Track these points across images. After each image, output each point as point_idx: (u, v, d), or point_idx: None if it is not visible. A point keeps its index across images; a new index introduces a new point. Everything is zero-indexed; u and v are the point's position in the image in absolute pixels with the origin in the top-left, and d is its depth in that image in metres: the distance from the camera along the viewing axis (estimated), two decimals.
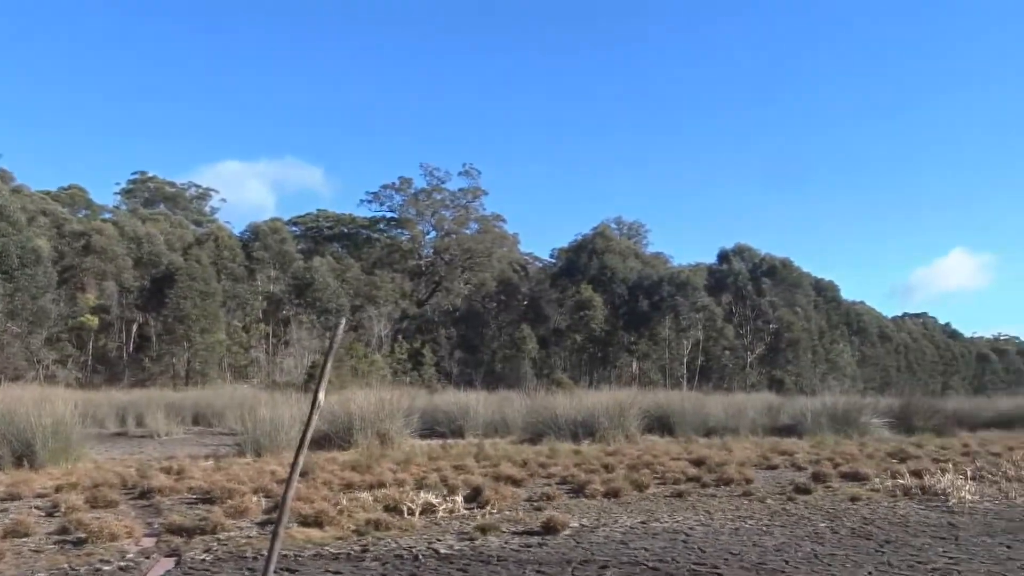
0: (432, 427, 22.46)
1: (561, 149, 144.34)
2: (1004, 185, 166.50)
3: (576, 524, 8.58)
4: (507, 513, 9.16)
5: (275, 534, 4.36)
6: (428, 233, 69.56)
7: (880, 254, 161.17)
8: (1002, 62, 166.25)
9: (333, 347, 4.60)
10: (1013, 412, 31.42)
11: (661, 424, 22.88)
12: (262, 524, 8.33)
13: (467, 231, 67.14)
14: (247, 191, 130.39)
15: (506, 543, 7.62)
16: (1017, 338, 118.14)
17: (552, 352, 56.26)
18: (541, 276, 61.30)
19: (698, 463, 14.25)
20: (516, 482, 11.59)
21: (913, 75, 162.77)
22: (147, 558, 6.88)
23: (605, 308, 54.80)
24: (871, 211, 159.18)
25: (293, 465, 4.42)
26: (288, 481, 4.44)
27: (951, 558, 6.86)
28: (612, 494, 10.69)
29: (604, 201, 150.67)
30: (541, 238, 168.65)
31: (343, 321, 5.10)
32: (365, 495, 9.81)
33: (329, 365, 4.59)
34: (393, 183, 67.92)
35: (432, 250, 69.23)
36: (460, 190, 67.17)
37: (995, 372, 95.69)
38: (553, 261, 62.72)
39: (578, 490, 11.09)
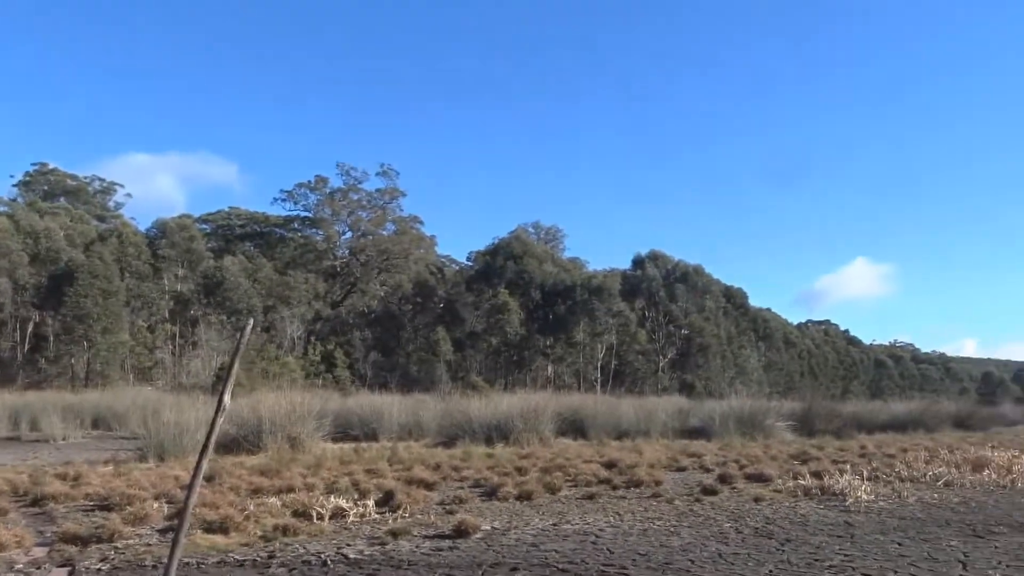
0: (345, 430, 22.13)
1: (481, 153, 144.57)
2: (905, 198, 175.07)
3: (488, 527, 8.59)
4: (419, 517, 9.10)
5: (176, 540, 4.22)
6: (344, 233, 68.49)
7: (790, 262, 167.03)
8: (902, 78, 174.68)
9: (240, 348, 4.49)
10: (907, 416, 32.97)
11: (575, 427, 23.12)
12: (163, 531, 8.05)
13: (384, 232, 66.33)
14: (155, 186, 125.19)
15: (417, 547, 7.57)
16: (912, 345, 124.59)
17: (468, 355, 56.24)
18: (458, 279, 61.22)
19: (610, 465, 14.47)
20: (429, 485, 11.54)
21: (827, 89, 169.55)
22: (38, 569, 6.57)
23: (521, 312, 55.10)
24: (782, 219, 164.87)
25: (196, 469, 4.29)
26: (190, 486, 4.30)
27: (847, 555, 7.14)
28: (525, 497, 10.75)
29: (522, 205, 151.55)
30: (459, 241, 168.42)
31: (251, 322, 4.97)
32: (273, 500, 9.60)
33: (236, 366, 4.47)
34: (308, 182, 66.60)
35: (348, 251, 68.21)
36: (377, 191, 66.38)
37: (891, 378, 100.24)
38: (470, 264, 62.65)
39: (491, 493, 11.11)
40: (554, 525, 8.82)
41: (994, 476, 13.46)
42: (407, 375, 49.25)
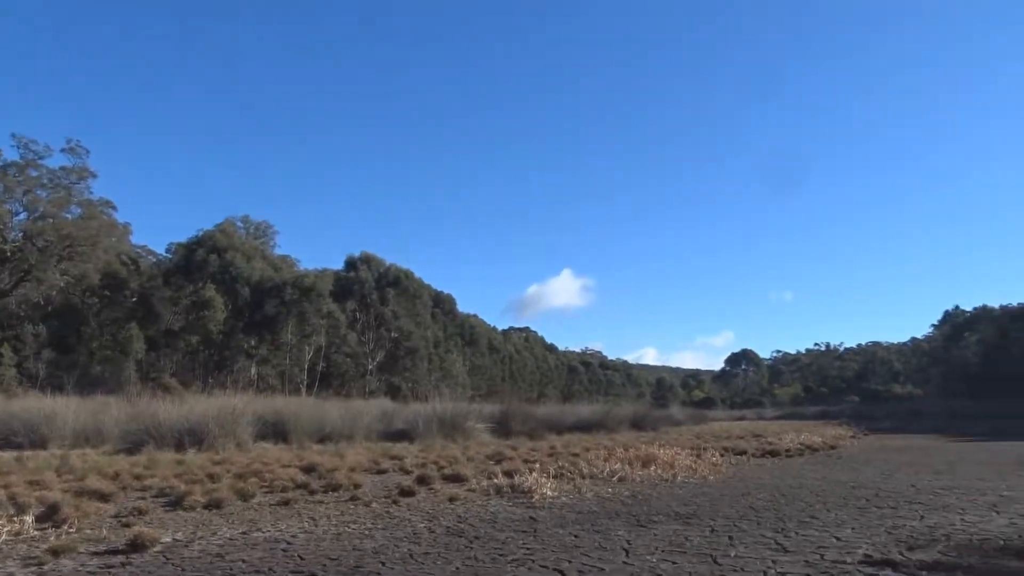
0: (7, 437, 19.47)
1: (187, 138, 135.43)
2: (605, 215, 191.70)
3: (169, 539, 7.99)
4: (89, 532, 8.23)
5: None
6: (17, 214, 60.15)
7: (504, 271, 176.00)
8: (623, 94, 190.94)
9: None
10: (592, 418, 36.02)
11: (276, 431, 22.34)
12: None
13: (68, 216, 59.28)
14: None
15: (83, 565, 6.83)
16: (600, 352, 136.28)
17: (163, 354, 52.10)
18: (155, 272, 56.45)
19: (309, 470, 14.17)
20: (104, 497, 10.51)
21: (553, 97, 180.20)
22: None
23: (226, 309, 52.19)
24: (493, 227, 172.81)
25: None
26: None
27: (528, 549, 7.57)
28: (214, 505, 10.16)
29: (231, 199, 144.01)
30: (158, 231, 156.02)
31: None
32: None
33: None
34: None
35: (21, 233, 60.12)
36: (62, 168, 59.01)
37: (581, 382, 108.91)
38: (169, 256, 57.95)
39: (176, 502, 10.36)
40: (243, 534, 8.42)
41: (659, 471, 15.09)
42: (88, 375, 44.47)
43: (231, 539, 8.12)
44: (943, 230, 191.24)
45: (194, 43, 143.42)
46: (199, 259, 52.85)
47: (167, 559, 7.12)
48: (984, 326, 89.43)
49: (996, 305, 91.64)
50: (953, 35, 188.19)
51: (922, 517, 9.52)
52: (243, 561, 7.03)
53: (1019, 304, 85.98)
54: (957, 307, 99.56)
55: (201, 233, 56.10)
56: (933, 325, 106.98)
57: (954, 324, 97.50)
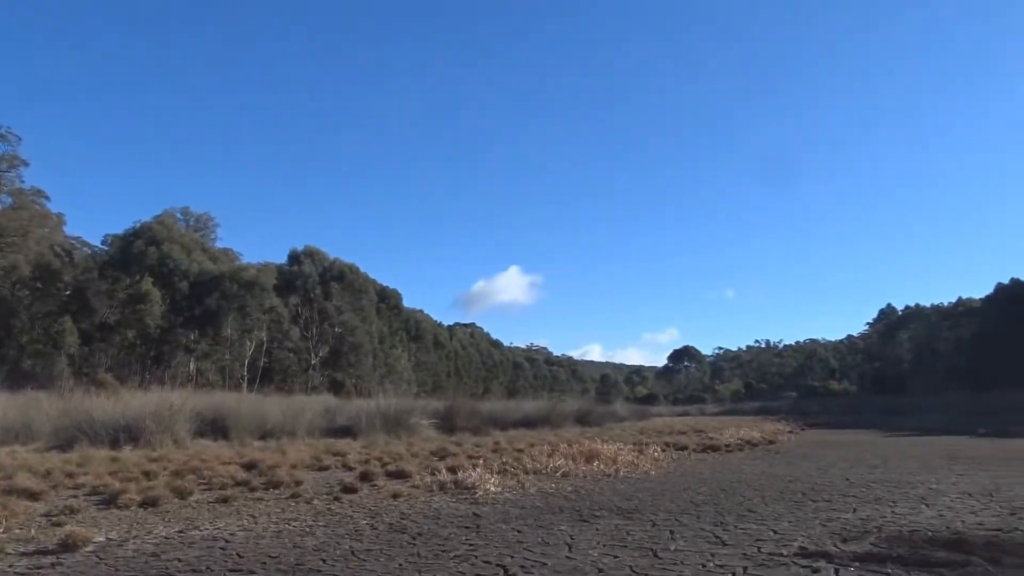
0: None
1: (125, 127, 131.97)
2: (554, 212, 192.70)
3: (102, 538, 7.77)
4: (17, 531, 7.97)
5: None
6: None
7: (452, 266, 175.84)
8: (580, 98, 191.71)
9: None
10: (537, 414, 36.16)
11: (216, 427, 21.91)
12: None
13: None
14: None
15: (11, 566, 6.60)
16: (546, 348, 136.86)
17: (97, 349, 50.64)
18: (90, 264, 54.82)
19: (249, 467, 13.95)
20: (34, 495, 10.19)
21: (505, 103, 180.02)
22: None
23: (164, 303, 50.97)
24: (441, 222, 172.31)
25: None
26: None
27: (471, 545, 7.56)
28: (150, 503, 9.92)
29: (171, 190, 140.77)
30: (93, 222, 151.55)
31: None
32: None
33: None
34: None
35: None
36: None
37: (527, 378, 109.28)
38: (105, 248, 56.26)
39: (110, 501, 10.09)
40: (180, 532, 8.24)
41: (602, 466, 15.21)
42: (18, 370, 43.05)
43: (167, 538, 7.94)
44: (879, 231, 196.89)
45: (132, 28, 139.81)
46: (136, 251, 51.51)
47: (100, 559, 6.93)
48: (916, 325, 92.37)
49: (928, 304, 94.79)
50: (828, 39, 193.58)
51: (855, 510, 9.78)
52: (179, 560, 6.88)
53: (949, 303, 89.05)
54: (890, 306, 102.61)
55: (138, 225, 54.67)
56: (868, 323, 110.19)
57: (888, 323, 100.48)
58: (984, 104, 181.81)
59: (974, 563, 6.33)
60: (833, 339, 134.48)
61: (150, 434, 18.16)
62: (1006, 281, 75.26)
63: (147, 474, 12.60)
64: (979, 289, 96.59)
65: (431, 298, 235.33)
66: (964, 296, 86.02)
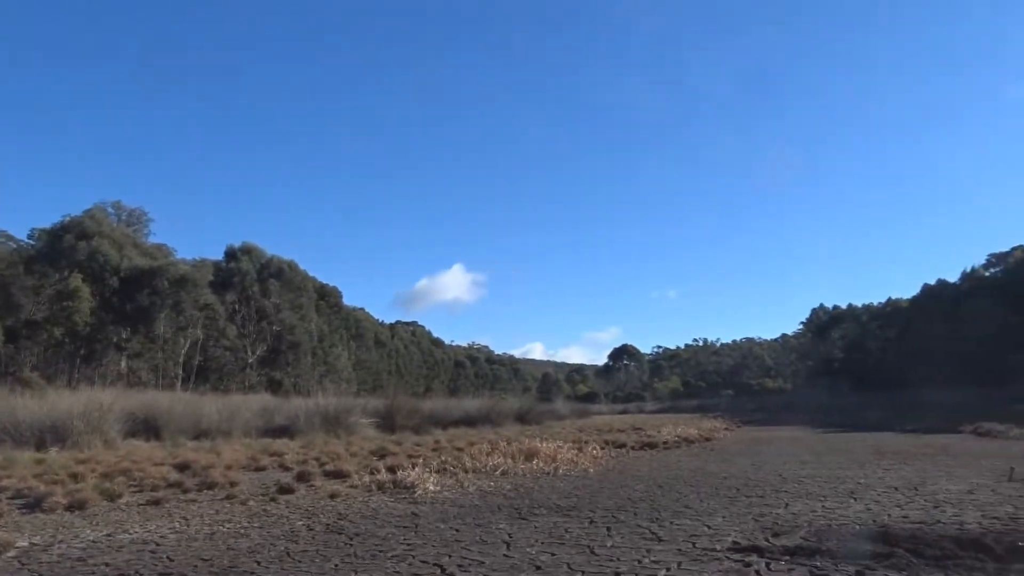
0: None
1: (54, 118, 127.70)
2: (500, 211, 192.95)
3: (25, 543, 7.53)
4: None
5: None
6: None
7: (395, 264, 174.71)
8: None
9: None
10: (477, 412, 36.16)
11: (148, 427, 21.40)
12: None
13: None
14: None
15: None
16: (488, 347, 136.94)
17: (22, 347, 48.84)
18: (14, 258, 52.85)
19: (183, 468, 13.68)
20: None
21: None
22: None
23: (94, 300, 49.42)
24: (384, 220, 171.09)
25: None
26: None
27: (409, 544, 7.53)
28: (77, 506, 9.65)
29: (105, 183, 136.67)
30: (18, 216, 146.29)
31: None
32: None
33: None
34: None
35: None
36: None
37: (468, 377, 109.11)
38: (31, 243, 54.28)
39: (35, 504, 9.77)
40: (108, 536, 8.02)
41: (542, 465, 15.29)
42: None
43: (95, 542, 7.73)
44: (814, 232, 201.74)
45: (58, 13, 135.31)
46: (65, 246, 49.81)
47: (23, 564, 6.71)
48: (847, 324, 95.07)
49: (859, 304, 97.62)
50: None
51: (787, 505, 10.02)
52: (107, 565, 6.70)
53: (879, 303, 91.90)
54: (822, 306, 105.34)
55: (67, 219, 52.91)
56: (802, 323, 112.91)
57: (820, 322, 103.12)
58: (914, 108, 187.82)
59: (898, 555, 6.54)
60: (769, 338, 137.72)
61: (78, 435, 17.63)
62: (933, 282, 78.08)
63: (74, 476, 12.24)
64: (910, 290, 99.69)
65: (374, 296, 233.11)
66: (894, 296, 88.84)
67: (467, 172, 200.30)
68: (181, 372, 52.80)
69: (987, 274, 74.00)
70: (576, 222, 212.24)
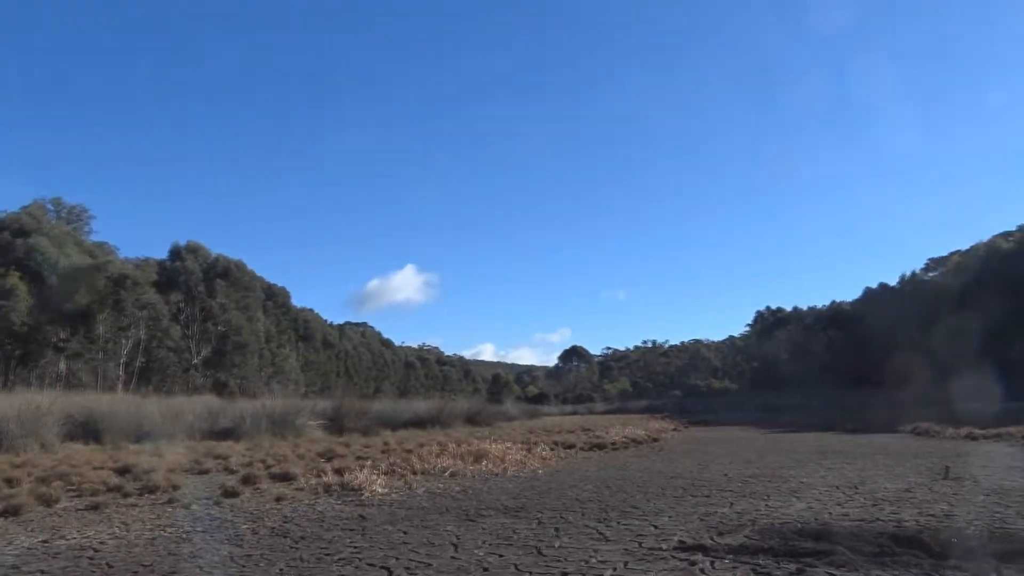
0: None
1: None
2: (451, 211, 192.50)
3: None
4: None
5: None
6: None
7: (345, 265, 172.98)
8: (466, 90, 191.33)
9: None
10: (427, 413, 35.98)
11: (88, 430, 20.82)
12: None
13: None
14: None
15: None
16: (438, 348, 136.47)
17: None
18: None
19: (123, 471, 13.36)
20: None
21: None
22: None
23: (31, 299, 47.97)
24: (334, 220, 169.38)
25: None
26: None
27: (356, 547, 7.46)
28: (11, 512, 9.36)
29: (45, 180, 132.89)
30: None
31: None
32: None
33: None
34: None
35: None
36: None
37: (418, 378, 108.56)
38: None
39: None
40: (44, 542, 7.79)
41: (490, 466, 15.30)
42: None
43: (30, 548, 7.50)
44: (759, 236, 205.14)
45: (6, 12, 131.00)
46: (1, 243, 48.32)
47: None
48: (792, 326, 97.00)
49: (804, 307, 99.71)
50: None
51: (732, 504, 10.18)
52: (43, 572, 6.51)
53: (823, 306, 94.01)
54: (768, 308, 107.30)
55: (4, 215, 51.30)
56: (748, 325, 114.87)
57: (765, 324, 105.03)
58: (862, 113, 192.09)
59: (838, 552, 6.69)
60: (716, 339, 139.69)
61: (13, 438, 17.09)
62: (875, 286, 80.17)
63: (9, 481, 11.85)
64: (853, 293, 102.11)
65: (325, 297, 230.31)
66: (837, 300, 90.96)
67: (420, 172, 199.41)
68: (123, 373, 51.52)
69: (926, 278, 76.35)
70: (528, 224, 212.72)
